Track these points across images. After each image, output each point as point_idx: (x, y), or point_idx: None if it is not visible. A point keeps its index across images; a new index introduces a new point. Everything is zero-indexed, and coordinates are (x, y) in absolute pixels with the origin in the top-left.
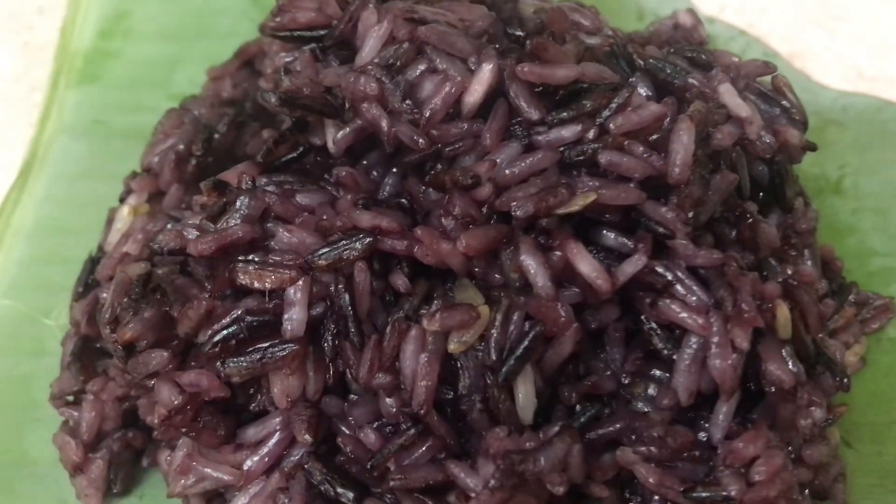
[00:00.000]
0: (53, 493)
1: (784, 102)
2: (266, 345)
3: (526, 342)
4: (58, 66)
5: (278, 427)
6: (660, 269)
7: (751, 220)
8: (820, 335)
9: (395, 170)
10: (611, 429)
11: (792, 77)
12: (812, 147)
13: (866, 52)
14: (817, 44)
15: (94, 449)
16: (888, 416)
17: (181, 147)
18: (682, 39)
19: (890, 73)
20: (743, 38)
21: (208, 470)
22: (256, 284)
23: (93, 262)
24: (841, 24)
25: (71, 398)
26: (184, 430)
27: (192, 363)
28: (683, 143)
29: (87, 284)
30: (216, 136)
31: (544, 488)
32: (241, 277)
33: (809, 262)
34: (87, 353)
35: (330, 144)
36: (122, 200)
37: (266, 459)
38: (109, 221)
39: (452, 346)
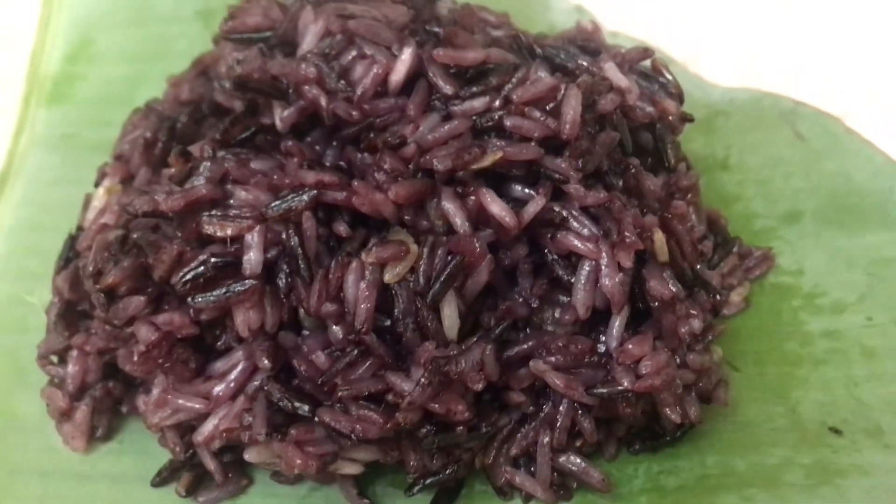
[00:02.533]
0: (41, 441)
1: (661, 80)
2: (229, 282)
3: (448, 269)
4: (28, 88)
5: (242, 358)
6: (557, 208)
7: (634, 171)
8: (698, 265)
9: (335, 143)
10: (525, 346)
11: (686, 78)
12: (689, 118)
13: (751, 54)
14: (709, 49)
15: (78, 398)
16: (769, 344)
17: (148, 134)
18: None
19: (772, 70)
20: (643, 47)
21: (181, 401)
22: (219, 233)
23: (73, 239)
24: (731, 31)
25: (55, 360)
26: (160, 361)
27: (166, 307)
28: (572, 105)
29: (68, 258)
30: (178, 124)
31: (467, 388)
32: (207, 227)
33: (694, 216)
34: (69, 315)
35: (278, 122)
36: (97, 185)
37: (232, 385)
38: (86, 204)
39: (388, 277)
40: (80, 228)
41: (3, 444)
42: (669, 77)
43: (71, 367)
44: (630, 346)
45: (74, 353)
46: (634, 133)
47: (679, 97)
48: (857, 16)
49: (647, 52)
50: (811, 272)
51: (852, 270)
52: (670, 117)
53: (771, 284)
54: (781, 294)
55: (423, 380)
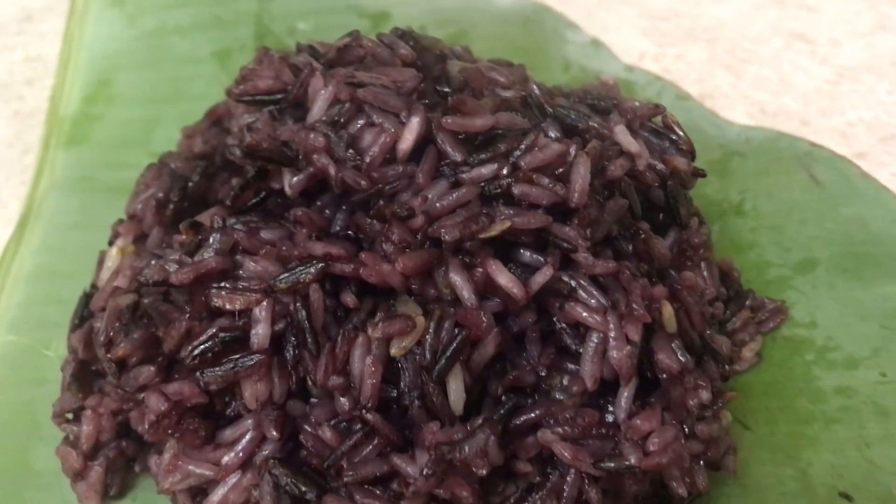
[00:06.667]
0: (57, 499)
1: (672, 136)
2: (237, 356)
3: (454, 344)
4: (48, 129)
5: (250, 427)
6: (565, 278)
7: (644, 237)
8: (708, 332)
9: (344, 207)
10: (532, 415)
11: (701, 115)
12: (701, 173)
13: (768, 91)
14: (725, 84)
15: (92, 457)
16: (780, 401)
17: (160, 195)
18: (599, 92)
19: (787, 108)
20: (659, 82)
21: (192, 467)
22: (228, 306)
23: (87, 297)
24: (746, 67)
25: (70, 416)
26: (170, 431)
27: (176, 376)
28: (581, 174)
29: (83, 317)
30: (190, 184)
31: (471, 471)
32: (215, 301)
33: (706, 273)
34: (84, 375)
35: (287, 189)
36: (111, 243)
37: (241, 454)
38: (100, 262)
39: (394, 350)
40: (94, 287)
41: (18, 499)
42: (681, 133)
43: (85, 427)
44: (638, 422)
45: (88, 413)
46: (646, 191)
47: (690, 154)
48: (873, 56)
49: (657, 108)
50: (824, 324)
51: (866, 323)
52: (682, 173)
53: (784, 337)
54: (794, 347)
55: (427, 470)
